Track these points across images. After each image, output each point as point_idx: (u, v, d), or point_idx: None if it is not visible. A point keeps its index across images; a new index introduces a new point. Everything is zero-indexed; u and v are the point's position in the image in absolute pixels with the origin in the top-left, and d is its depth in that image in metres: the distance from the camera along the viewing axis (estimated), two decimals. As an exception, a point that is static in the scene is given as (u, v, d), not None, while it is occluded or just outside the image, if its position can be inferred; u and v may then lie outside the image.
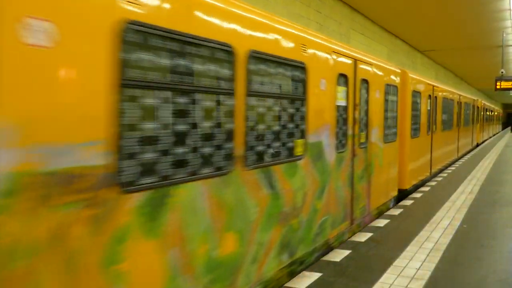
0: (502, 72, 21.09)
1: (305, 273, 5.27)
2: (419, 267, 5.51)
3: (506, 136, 44.61)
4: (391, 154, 9.03)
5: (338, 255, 5.92)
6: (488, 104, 36.67)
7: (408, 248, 6.30)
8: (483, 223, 7.76)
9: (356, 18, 15.06)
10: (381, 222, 7.70)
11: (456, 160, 18.57)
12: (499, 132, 56.58)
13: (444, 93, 14.88)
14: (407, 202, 9.46)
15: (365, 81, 7.41)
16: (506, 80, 21.24)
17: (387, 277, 5.19)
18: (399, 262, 5.71)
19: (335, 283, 4.99)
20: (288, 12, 10.55)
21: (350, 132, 6.82)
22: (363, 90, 7.37)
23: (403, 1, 14.57)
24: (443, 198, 9.98)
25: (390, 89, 8.73)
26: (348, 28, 14.28)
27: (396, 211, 8.58)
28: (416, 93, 11.06)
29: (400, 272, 5.34)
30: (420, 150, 11.82)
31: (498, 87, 21.05)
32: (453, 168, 15.71)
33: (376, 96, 7.97)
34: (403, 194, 10.32)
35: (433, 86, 13.16)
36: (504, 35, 19.63)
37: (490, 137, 41.19)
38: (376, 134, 7.98)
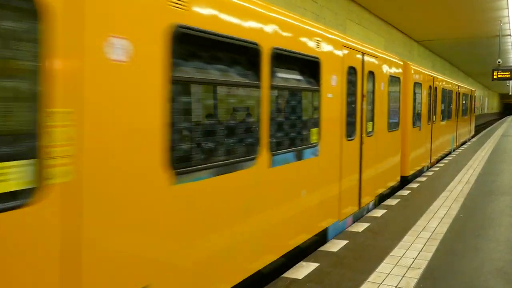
0: (499, 62, 21.05)
1: (302, 263, 5.27)
2: (416, 257, 5.52)
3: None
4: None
5: (335, 246, 5.92)
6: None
7: (405, 237, 6.31)
8: (480, 212, 7.77)
9: (353, 8, 14.97)
10: (378, 212, 7.71)
11: None
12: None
13: None
14: (405, 192, 9.48)
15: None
16: (503, 70, 21.23)
17: (384, 266, 5.20)
18: (396, 251, 5.72)
19: (332, 273, 4.99)
20: (285, 2, 10.47)
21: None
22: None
23: (400, -9, 14.51)
24: (440, 187, 10.00)
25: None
26: (344, 18, 14.20)
27: (393, 201, 8.59)
28: None
29: (397, 262, 5.35)
30: None
31: (495, 77, 21.04)
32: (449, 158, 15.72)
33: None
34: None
35: None
36: (501, 24, 19.59)
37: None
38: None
